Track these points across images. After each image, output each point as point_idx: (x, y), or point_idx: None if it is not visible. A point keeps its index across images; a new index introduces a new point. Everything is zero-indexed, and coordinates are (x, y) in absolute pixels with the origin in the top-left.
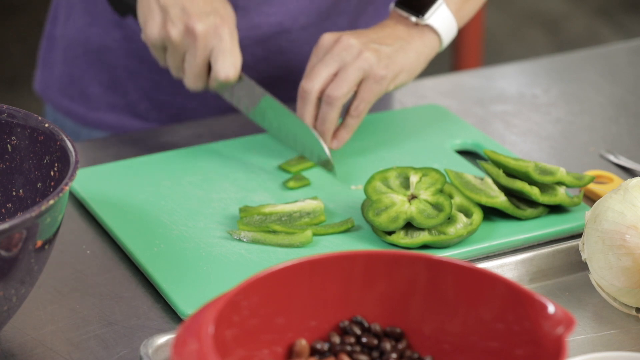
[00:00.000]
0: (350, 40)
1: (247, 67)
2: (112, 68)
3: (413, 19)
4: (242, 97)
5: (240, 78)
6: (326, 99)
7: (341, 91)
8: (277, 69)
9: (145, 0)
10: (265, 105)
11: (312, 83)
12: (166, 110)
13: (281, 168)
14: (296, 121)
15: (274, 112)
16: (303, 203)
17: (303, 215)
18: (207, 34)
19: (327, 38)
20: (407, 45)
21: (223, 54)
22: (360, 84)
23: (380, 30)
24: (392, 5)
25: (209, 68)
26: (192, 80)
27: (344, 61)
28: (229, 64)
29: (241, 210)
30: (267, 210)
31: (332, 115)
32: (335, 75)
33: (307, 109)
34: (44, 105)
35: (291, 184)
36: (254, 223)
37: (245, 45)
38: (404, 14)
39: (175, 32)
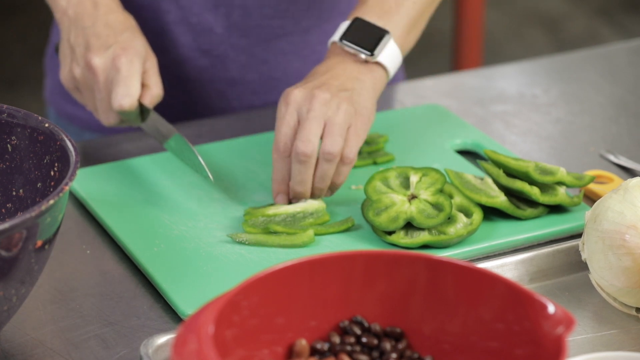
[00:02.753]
0: (324, 95)
1: (249, 70)
2: None
3: (363, 56)
4: (148, 128)
5: (147, 112)
6: (326, 156)
7: (338, 146)
8: (278, 71)
9: (62, 45)
10: (167, 134)
11: (312, 145)
12: (169, 112)
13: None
14: (193, 157)
15: (176, 143)
16: (305, 203)
17: (307, 216)
18: (105, 67)
19: (297, 94)
20: (363, 84)
21: (117, 84)
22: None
23: (335, 74)
24: (334, 39)
25: None
26: (103, 115)
27: (327, 116)
28: (122, 94)
29: (245, 213)
30: (270, 211)
31: (332, 171)
32: (324, 131)
33: (308, 173)
34: (47, 110)
35: None
36: (259, 225)
37: (246, 47)
38: (352, 50)
39: (78, 71)
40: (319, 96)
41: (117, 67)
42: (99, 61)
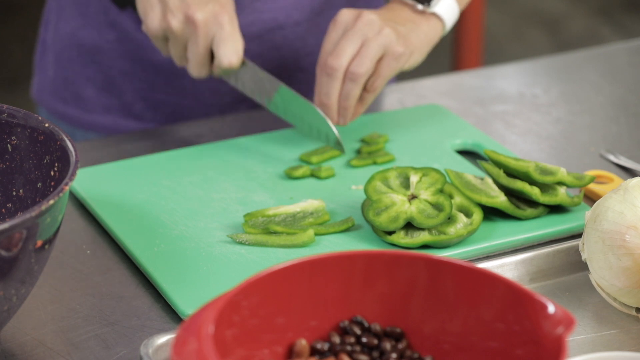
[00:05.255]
0: (371, 16)
1: None
2: (106, 69)
3: (420, 7)
4: (247, 82)
5: (243, 63)
6: (350, 75)
7: (365, 68)
8: (271, 65)
9: None
10: (271, 89)
11: (340, 60)
12: (162, 109)
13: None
14: (305, 104)
15: (282, 97)
16: (305, 203)
17: (307, 216)
18: (207, 22)
19: (346, 13)
20: (417, 27)
21: (224, 41)
22: (379, 60)
23: (390, 12)
24: None
25: (211, 55)
26: (195, 69)
27: (366, 37)
28: (231, 51)
29: (245, 213)
30: (270, 212)
31: (356, 92)
32: (358, 51)
33: (334, 86)
34: (37, 110)
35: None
36: (259, 225)
37: None
38: (410, 1)
39: (175, 22)
40: (365, 17)
41: (221, 23)
42: (201, 16)
